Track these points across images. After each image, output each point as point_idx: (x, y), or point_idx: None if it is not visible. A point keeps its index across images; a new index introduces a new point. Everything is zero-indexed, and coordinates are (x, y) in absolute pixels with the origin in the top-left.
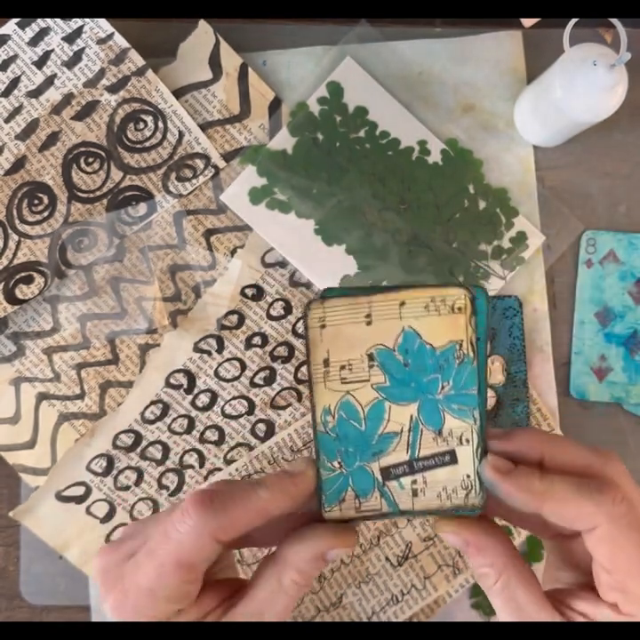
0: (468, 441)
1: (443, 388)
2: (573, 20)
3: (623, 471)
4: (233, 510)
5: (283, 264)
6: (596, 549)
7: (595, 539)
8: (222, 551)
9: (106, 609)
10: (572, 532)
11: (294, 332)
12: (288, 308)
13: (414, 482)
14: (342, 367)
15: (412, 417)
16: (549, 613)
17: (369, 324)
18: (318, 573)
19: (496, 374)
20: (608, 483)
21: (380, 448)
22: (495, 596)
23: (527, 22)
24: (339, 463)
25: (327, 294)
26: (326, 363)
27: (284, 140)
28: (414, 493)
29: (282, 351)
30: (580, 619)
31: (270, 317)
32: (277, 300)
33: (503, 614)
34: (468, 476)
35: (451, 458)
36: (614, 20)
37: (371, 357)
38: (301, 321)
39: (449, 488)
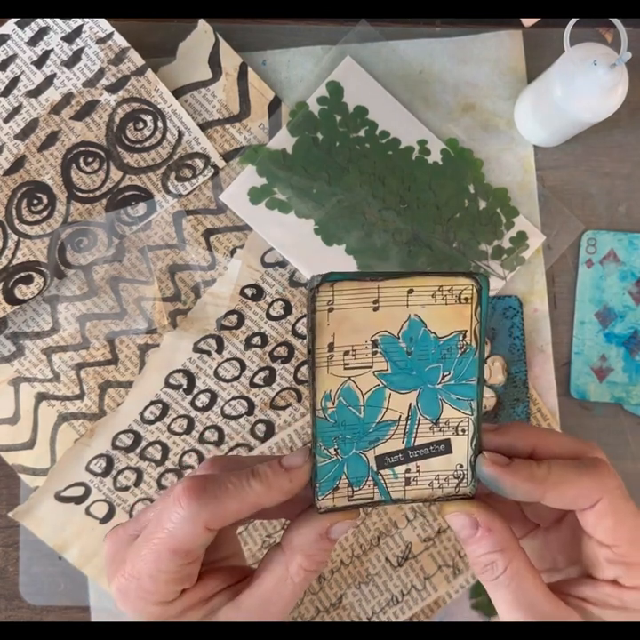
0: (463, 431)
1: (443, 377)
2: (573, 20)
3: (605, 457)
4: (225, 501)
5: (282, 264)
6: (598, 525)
7: (595, 515)
8: (215, 534)
9: (113, 592)
10: (550, 522)
11: (294, 332)
12: (288, 308)
13: (408, 470)
14: (346, 352)
15: (410, 405)
16: (557, 604)
17: (376, 310)
18: (326, 557)
19: (496, 374)
20: (599, 460)
21: (376, 436)
22: (502, 588)
23: (527, 22)
24: (335, 450)
25: (331, 278)
26: (331, 347)
27: (283, 140)
28: (407, 482)
29: (281, 351)
30: (583, 604)
31: (270, 317)
32: (277, 299)
33: (512, 609)
34: (461, 466)
35: (445, 447)
36: (614, 20)
37: (374, 344)
38: (301, 320)
39: (441, 477)
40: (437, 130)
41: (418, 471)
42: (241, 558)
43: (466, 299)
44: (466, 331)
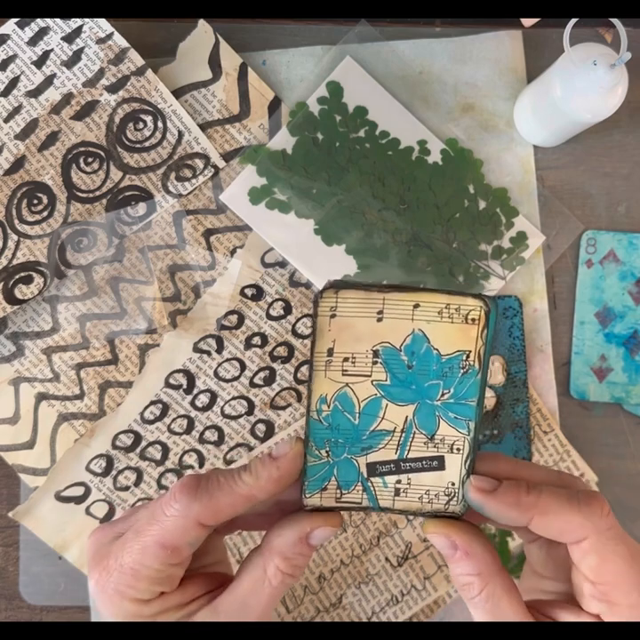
0: (458, 450)
1: (442, 394)
2: (573, 20)
3: (585, 487)
4: (218, 495)
5: (282, 264)
6: (583, 561)
7: (581, 551)
8: (207, 535)
9: (90, 587)
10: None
11: (294, 332)
12: (288, 308)
13: (398, 481)
14: (345, 359)
15: (406, 418)
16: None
17: (379, 320)
18: (304, 563)
19: (496, 374)
20: (592, 494)
21: (369, 444)
22: (477, 608)
23: (527, 22)
24: (326, 452)
25: (338, 285)
26: (330, 352)
27: (283, 140)
28: (397, 492)
29: (281, 351)
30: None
31: (270, 317)
32: (277, 300)
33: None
34: (453, 484)
35: (439, 463)
36: (614, 20)
37: (375, 354)
38: (301, 321)
39: (432, 492)
40: (437, 130)
41: (408, 483)
42: (226, 566)
43: (473, 319)
44: (470, 351)
